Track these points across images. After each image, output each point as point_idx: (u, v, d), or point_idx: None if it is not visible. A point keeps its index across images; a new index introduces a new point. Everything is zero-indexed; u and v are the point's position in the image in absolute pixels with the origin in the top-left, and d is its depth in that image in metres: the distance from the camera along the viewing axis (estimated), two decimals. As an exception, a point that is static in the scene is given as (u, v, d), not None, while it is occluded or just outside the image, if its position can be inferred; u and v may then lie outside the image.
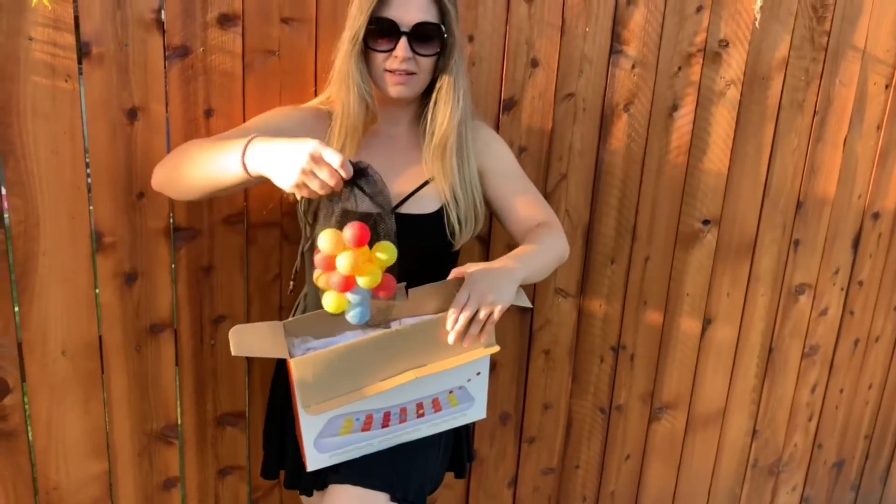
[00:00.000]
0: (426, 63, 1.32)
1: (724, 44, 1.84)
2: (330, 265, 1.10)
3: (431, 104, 1.36)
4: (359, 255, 1.09)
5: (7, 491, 1.47)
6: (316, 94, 1.51)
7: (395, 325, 1.28)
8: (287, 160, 1.07)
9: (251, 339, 1.14)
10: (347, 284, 1.11)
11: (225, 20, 1.42)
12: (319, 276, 1.12)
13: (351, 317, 1.14)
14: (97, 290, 1.45)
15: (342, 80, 1.34)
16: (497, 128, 1.70)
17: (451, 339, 1.20)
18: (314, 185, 1.07)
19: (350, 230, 1.07)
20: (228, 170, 1.15)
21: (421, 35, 1.29)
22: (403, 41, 1.28)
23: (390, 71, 1.30)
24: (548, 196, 1.79)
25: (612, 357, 2.01)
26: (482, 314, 1.19)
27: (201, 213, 1.50)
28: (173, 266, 1.50)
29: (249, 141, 1.13)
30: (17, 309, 1.40)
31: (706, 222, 1.98)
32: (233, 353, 1.10)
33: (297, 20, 1.46)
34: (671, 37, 1.78)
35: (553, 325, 1.91)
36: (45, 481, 1.51)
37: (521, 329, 1.89)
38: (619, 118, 1.80)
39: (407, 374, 1.19)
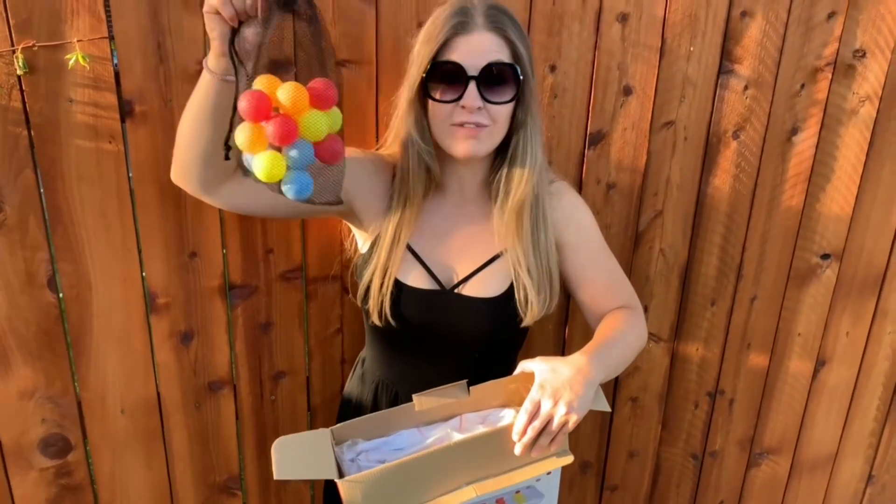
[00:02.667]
0: (501, 113, 1.12)
1: (861, 54, 1.55)
2: (262, 112, 0.85)
3: (506, 162, 1.17)
4: (303, 91, 0.86)
5: (76, 540, 1.47)
6: (377, 140, 1.37)
7: (455, 424, 1.15)
8: None
9: (295, 459, 1.03)
10: (288, 130, 0.84)
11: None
12: (245, 130, 0.85)
13: (289, 187, 0.88)
14: (153, 350, 1.39)
15: (400, 139, 1.18)
16: (582, 164, 1.50)
17: (517, 450, 1.07)
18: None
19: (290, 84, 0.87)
20: (200, 88, 1.04)
21: (493, 78, 1.09)
22: (472, 87, 1.08)
23: (458, 125, 1.12)
24: (640, 235, 1.59)
25: (709, 403, 1.82)
26: (554, 425, 1.05)
27: (257, 270, 1.40)
28: (230, 324, 1.42)
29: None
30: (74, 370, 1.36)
31: (825, 256, 1.72)
32: (275, 478, 1.00)
33: (355, 62, 1.31)
34: (794, 50, 1.51)
35: (642, 372, 1.73)
36: (113, 531, 1.50)
37: (605, 376, 1.72)
38: (726, 147, 1.56)
39: (466, 492, 1.07)
